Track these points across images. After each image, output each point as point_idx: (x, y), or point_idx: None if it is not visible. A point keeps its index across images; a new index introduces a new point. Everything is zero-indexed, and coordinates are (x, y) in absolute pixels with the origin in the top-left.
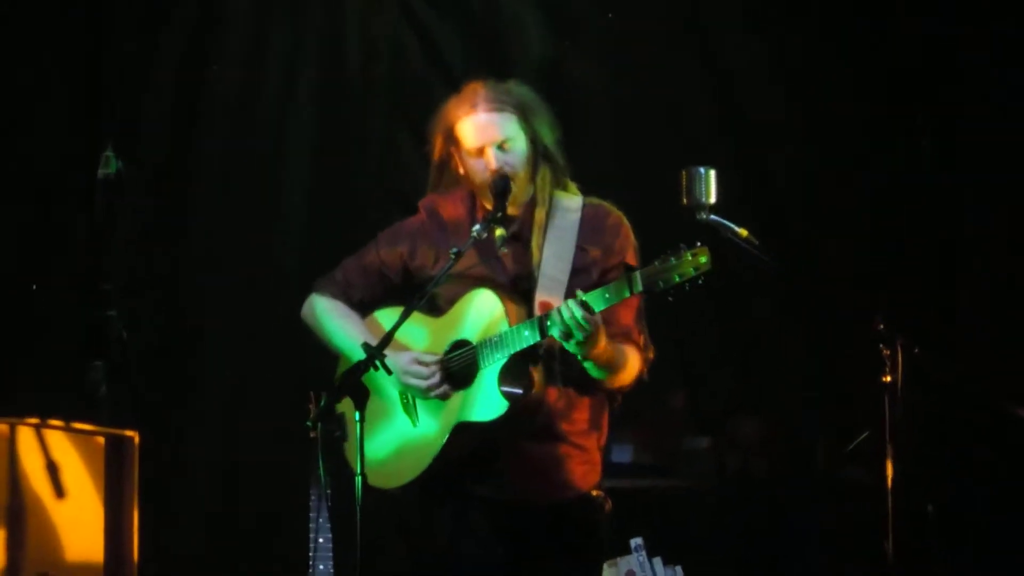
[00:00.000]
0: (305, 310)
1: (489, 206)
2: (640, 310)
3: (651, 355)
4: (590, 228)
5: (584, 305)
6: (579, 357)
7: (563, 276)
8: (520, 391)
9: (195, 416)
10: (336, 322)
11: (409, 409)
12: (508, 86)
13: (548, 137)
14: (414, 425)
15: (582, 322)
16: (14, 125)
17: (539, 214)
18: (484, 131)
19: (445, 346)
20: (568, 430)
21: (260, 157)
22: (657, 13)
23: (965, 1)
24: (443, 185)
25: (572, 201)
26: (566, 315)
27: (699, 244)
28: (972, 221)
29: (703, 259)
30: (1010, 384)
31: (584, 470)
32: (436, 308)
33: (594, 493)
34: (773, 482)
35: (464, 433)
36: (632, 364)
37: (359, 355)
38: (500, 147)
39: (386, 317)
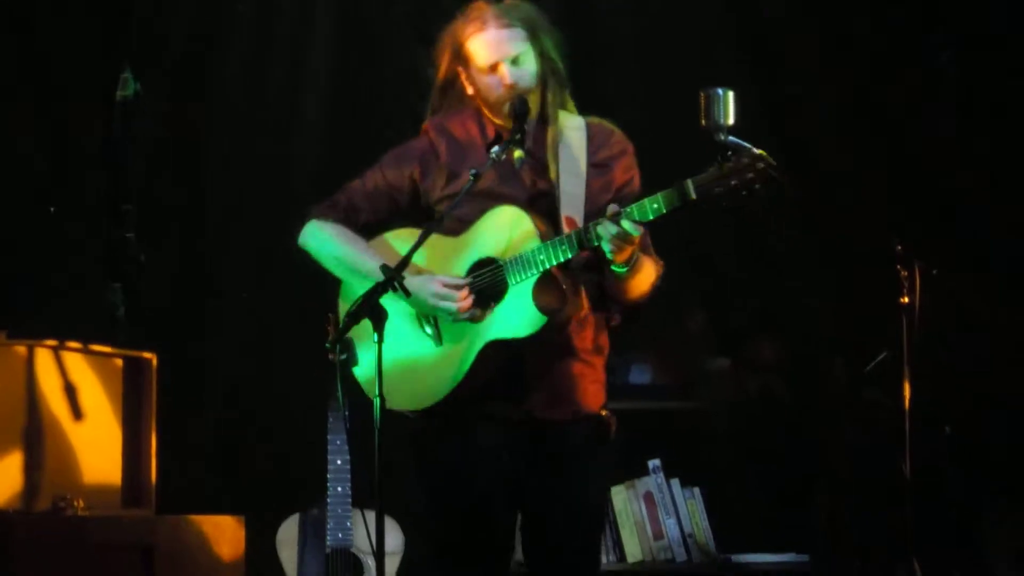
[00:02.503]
0: (306, 235)
1: (499, 121)
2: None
3: (662, 267)
4: (596, 145)
5: (634, 219)
6: (613, 262)
7: (580, 192)
8: (557, 306)
9: (212, 337)
10: (345, 247)
11: (431, 331)
12: (515, 3)
13: (555, 53)
14: (437, 346)
15: (634, 233)
16: (32, 48)
17: (551, 132)
18: (497, 47)
19: (465, 265)
20: (581, 347)
21: (279, 80)
22: None
23: None
24: (445, 107)
25: (575, 119)
26: (613, 230)
27: (756, 150)
28: (993, 142)
29: (761, 165)
30: None
31: (595, 389)
32: (447, 229)
33: (603, 413)
34: (792, 403)
35: (493, 352)
36: (648, 271)
37: (368, 279)
38: (513, 62)
39: (396, 239)
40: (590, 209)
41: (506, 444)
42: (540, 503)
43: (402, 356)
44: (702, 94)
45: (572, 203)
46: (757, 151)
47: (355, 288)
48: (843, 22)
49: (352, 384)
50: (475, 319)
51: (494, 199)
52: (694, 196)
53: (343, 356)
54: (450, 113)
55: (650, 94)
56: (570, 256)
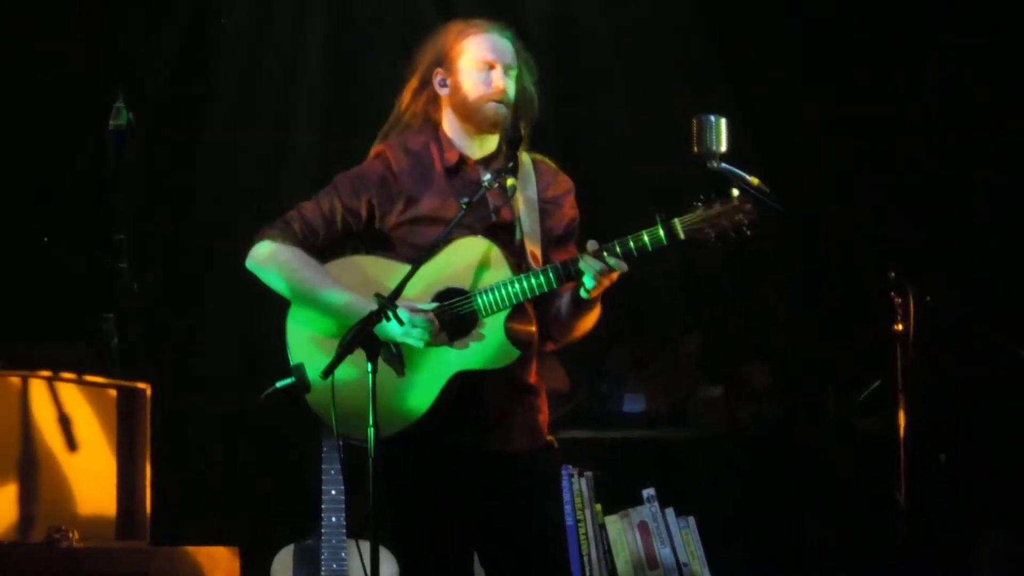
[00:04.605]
0: (260, 257)
1: (462, 139)
2: None
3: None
4: (545, 183)
5: (625, 255)
6: (586, 297)
7: (537, 227)
8: (529, 340)
9: (205, 366)
10: (305, 273)
11: (393, 360)
12: (507, 29)
13: (533, 92)
14: (400, 376)
15: (618, 270)
16: (22, 75)
17: (517, 165)
18: (498, 51)
19: (430, 294)
20: (531, 381)
21: (268, 103)
22: None
23: None
24: (405, 121)
25: (523, 155)
26: (598, 267)
27: (738, 192)
28: (985, 166)
29: (749, 206)
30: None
31: (544, 419)
32: (406, 256)
33: (550, 438)
34: (785, 432)
35: (459, 383)
36: (598, 310)
37: (330, 309)
38: (505, 71)
39: (347, 267)
40: (544, 245)
41: (464, 475)
42: (503, 532)
43: (359, 385)
44: (694, 121)
45: (532, 237)
46: (750, 178)
47: (306, 313)
48: (835, 43)
49: (308, 411)
50: (449, 345)
51: (456, 227)
52: (683, 236)
53: (292, 382)
54: (409, 135)
55: (637, 122)
56: (549, 289)
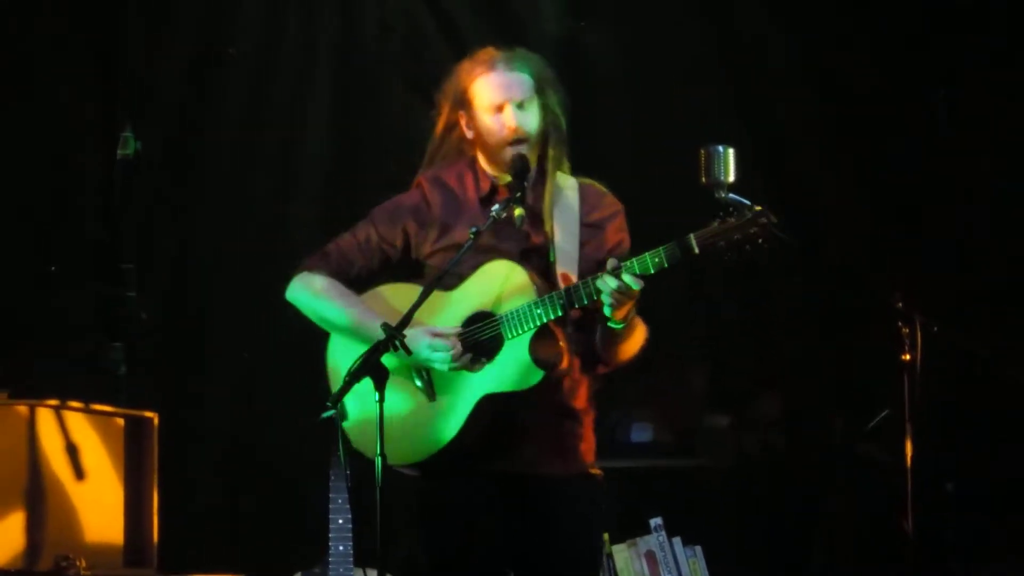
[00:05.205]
0: (297, 288)
1: (494, 171)
2: None
3: (647, 331)
4: (590, 206)
5: (639, 274)
6: (609, 315)
7: (574, 251)
8: (554, 361)
9: (211, 395)
10: (339, 303)
11: (424, 385)
12: (524, 52)
13: (559, 110)
14: (430, 400)
15: (634, 287)
16: (30, 106)
17: (548, 188)
18: (506, 88)
19: (460, 318)
20: (575, 406)
21: (274, 133)
22: None
23: None
24: (440, 156)
25: (568, 179)
26: (613, 284)
27: (756, 206)
28: (990, 193)
29: (763, 220)
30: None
31: (586, 447)
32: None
33: (593, 471)
34: (793, 461)
35: (488, 406)
36: (640, 332)
37: (365, 337)
38: (519, 107)
39: (387, 294)
40: (583, 268)
41: (500, 500)
42: (535, 560)
43: (393, 410)
44: (702, 151)
45: (566, 260)
46: (757, 207)
47: (345, 343)
48: (842, 73)
49: (344, 439)
50: (469, 370)
51: (486, 252)
52: (697, 250)
53: (331, 411)
54: (444, 166)
55: (644, 151)
56: (560, 313)
